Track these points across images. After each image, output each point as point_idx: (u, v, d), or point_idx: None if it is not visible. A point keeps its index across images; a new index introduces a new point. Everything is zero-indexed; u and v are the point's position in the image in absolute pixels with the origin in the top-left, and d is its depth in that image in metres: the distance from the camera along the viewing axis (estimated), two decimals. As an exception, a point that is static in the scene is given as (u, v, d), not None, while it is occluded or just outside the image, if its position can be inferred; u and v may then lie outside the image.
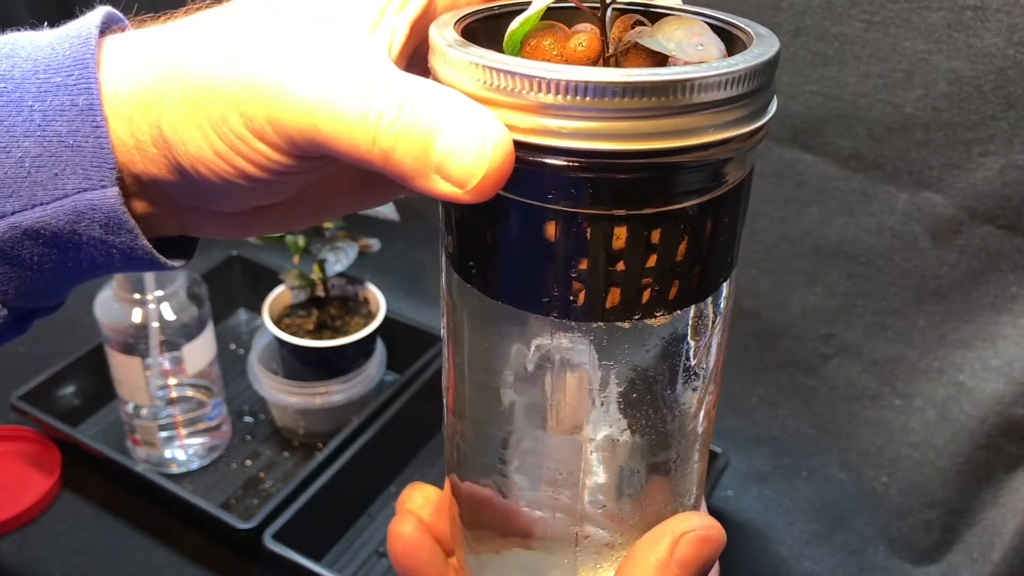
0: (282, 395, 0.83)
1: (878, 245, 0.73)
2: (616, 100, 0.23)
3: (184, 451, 0.83)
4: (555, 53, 0.27)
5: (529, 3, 0.27)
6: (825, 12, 0.66)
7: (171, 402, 0.82)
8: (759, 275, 0.79)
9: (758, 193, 0.73)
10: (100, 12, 0.30)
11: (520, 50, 0.28)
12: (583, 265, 0.25)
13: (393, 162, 0.25)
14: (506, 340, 0.29)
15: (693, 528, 0.30)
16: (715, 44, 0.26)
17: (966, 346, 0.72)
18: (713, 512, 0.79)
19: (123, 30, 0.30)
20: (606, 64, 0.27)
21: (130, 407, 0.81)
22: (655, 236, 0.25)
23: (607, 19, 0.28)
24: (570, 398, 0.28)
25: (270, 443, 0.87)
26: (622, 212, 0.25)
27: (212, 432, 0.84)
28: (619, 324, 0.27)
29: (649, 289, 0.26)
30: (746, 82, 0.24)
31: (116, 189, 0.28)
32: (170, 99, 0.27)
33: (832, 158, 0.72)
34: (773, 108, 0.26)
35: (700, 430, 0.31)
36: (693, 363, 0.29)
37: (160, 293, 0.77)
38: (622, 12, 0.29)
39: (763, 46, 0.26)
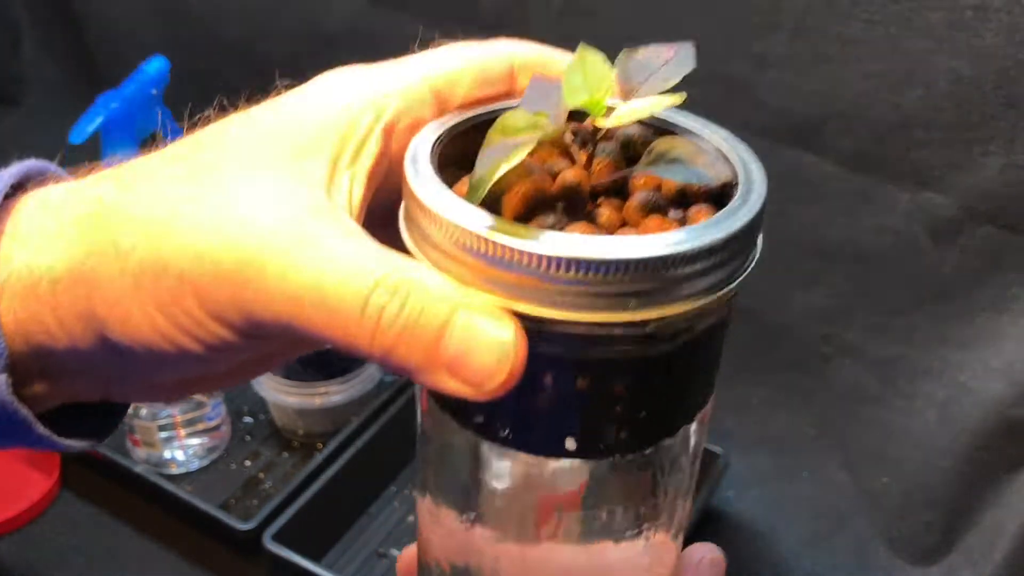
0: (282, 395, 0.83)
1: (879, 245, 0.72)
2: (618, 275, 0.22)
3: (183, 451, 0.83)
4: (539, 200, 0.25)
5: (493, 112, 0.26)
6: (826, 12, 0.66)
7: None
8: (759, 275, 0.78)
9: (758, 193, 0.73)
10: (11, 172, 0.27)
11: (500, 196, 0.25)
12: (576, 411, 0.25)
13: (395, 359, 0.23)
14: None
15: None
16: (712, 168, 0.26)
17: (967, 347, 0.72)
18: (714, 513, 0.80)
19: (44, 183, 0.27)
20: (592, 204, 0.26)
21: (129, 407, 0.81)
22: (621, 383, 0.25)
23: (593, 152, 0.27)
24: (542, 526, 0.28)
25: (270, 443, 0.87)
26: (592, 360, 0.24)
27: (211, 432, 0.84)
28: (595, 460, 0.26)
29: (622, 427, 0.26)
30: (733, 245, 0.24)
31: (5, 376, 0.25)
32: (104, 276, 0.24)
33: (833, 158, 0.71)
34: (759, 250, 0.27)
35: (677, 539, 0.31)
36: (669, 487, 0.29)
37: (160, 293, 0.77)
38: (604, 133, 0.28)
39: (751, 194, 0.26)
